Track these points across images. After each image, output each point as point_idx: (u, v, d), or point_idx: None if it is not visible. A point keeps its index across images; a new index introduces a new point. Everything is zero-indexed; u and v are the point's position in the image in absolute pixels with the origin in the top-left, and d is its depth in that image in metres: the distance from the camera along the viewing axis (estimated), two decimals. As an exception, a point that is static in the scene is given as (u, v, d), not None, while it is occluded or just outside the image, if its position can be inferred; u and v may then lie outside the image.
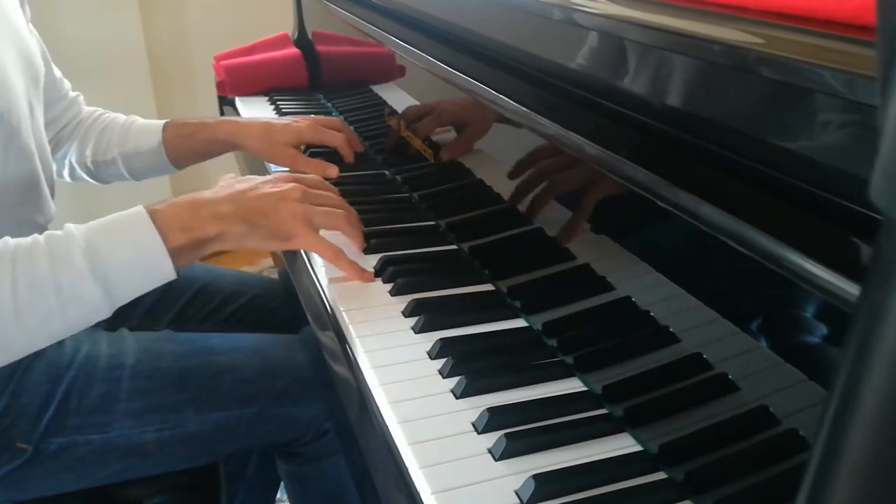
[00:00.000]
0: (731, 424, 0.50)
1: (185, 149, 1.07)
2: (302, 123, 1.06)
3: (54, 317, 0.63)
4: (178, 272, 0.69)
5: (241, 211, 0.72)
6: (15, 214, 0.84)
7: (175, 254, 0.67)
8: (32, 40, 0.92)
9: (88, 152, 1.06)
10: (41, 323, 0.63)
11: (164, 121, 1.08)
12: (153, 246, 0.66)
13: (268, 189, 0.75)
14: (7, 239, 0.64)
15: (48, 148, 0.93)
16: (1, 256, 0.62)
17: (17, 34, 0.87)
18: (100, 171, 1.08)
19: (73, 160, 1.08)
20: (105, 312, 0.66)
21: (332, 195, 0.82)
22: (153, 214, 0.67)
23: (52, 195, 0.92)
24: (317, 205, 0.77)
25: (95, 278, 0.63)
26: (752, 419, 0.48)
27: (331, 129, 1.06)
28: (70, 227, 0.66)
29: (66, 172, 1.10)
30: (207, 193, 0.73)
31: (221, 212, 0.71)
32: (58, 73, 1.05)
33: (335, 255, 0.77)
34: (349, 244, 0.82)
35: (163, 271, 0.67)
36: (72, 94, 1.08)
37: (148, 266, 0.66)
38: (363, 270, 0.79)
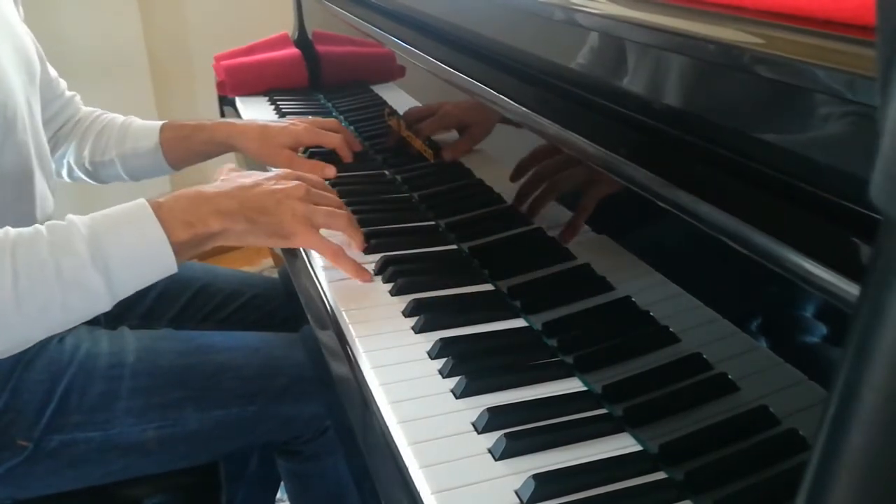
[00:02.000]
0: (730, 424, 0.50)
1: (183, 150, 1.08)
2: (299, 126, 1.06)
3: (55, 305, 0.62)
4: (178, 266, 0.69)
5: (243, 208, 0.72)
6: (12, 210, 0.84)
7: (178, 248, 0.67)
8: (27, 38, 0.92)
9: (86, 153, 1.07)
10: (42, 311, 0.62)
11: (161, 122, 1.08)
12: (157, 240, 0.66)
13: (271, 186, 0.75)
14: (7, 228, 0.64)
15: (47, 146, 0.93)
16: (3, 245, 0.62)
17: (12, 31, 0.88)
18: (98, 172, 1.09)
19: (72, 160, 1.08)
20: (106, 304, 0.66)
21: (333, 196, 0.83)
22: (156, 208, 0.67)
23: (52, 192, 0.93)
24: (319, 204, 0.77)
25: (96, 267, 0.63)
26: (752, 419, 0.48)
27: (328, 131, 1.07)
28: (72, 217, 0.66)
29: (64, 172, 1.10)
30: (210, 188, 0.73)
31: (224, 208, 0.71)
32: (53, 72, 1.05)
33: (334, 254, 0.78)
34: (350, 245, 0.82)
35: (165, 264, 0.67)
36: (68, 93, 1.09)
37: (150, 259, 0.66)
38: (362, 269, 0.79)
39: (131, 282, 0.66)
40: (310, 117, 1.13)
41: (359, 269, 0.78)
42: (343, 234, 0.81)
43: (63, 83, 1.08)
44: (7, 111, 0.80)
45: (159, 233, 0.66)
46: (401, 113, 1.06)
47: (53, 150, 1.05)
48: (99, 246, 0.63)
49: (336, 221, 0.79)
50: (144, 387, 0.83)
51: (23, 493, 0.83)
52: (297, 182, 0.77)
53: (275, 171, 0.81)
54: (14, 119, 0.82)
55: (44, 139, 0.92)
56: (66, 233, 0.64)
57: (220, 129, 1.07)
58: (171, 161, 1.08)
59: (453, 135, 0.93)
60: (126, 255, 0.65)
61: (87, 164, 1.08)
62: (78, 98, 1.11)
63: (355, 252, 0.83)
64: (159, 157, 1.07)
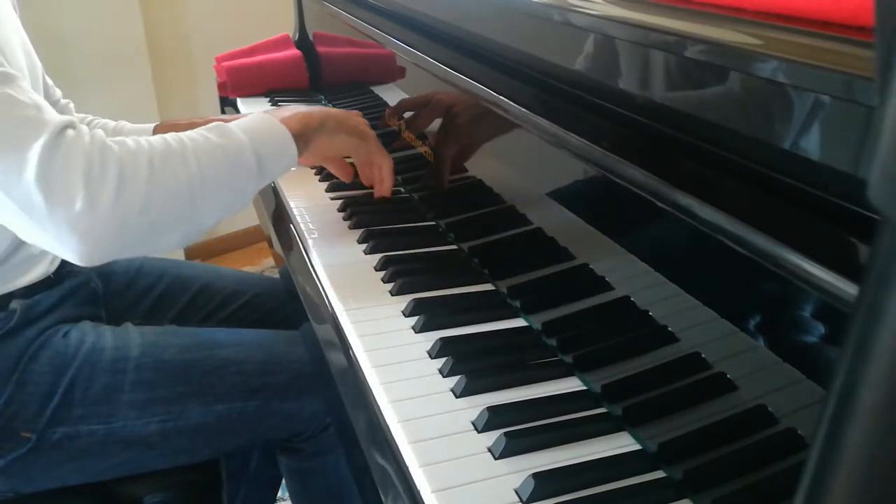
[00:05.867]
0: (729, 423, 0.50)
1: None
2: None
3: (224, 184, 0.73)
4: (299, 157, 0.82)
5: (329, 111, 0.88)
6: None
7: (296, 138, 0.80)
8: (28, 41, 0.93)
9: None
10: (217, 187, 0.72)
11: (153, 124, 1.09)
12: (282, 131, 0.79)
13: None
14: (170, 133, 0.73)
15: None
16: (179, 137, 0.72)
17: (21, 34, 0.89)
18: None
19: None
20: (254, 189, 0.77)
21: None
22: (272, 114, 0.82)
23: None
24: None
25: (253, 150, 0.75)
26: (751, 418, 0.48)
27: None
28: (215, 122, 0.77)
29: None
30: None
31: (317, 110, 0.86)
32: (49, 80, 1.06)
33: (391, 171, 0.92)
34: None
35: (290, 150, 0.80)
36: (63, 101, 1.10)
37: (282, 148, 0.79)
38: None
39: (273, 168, 0.78)
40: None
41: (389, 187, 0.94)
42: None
43: (58, 91, 1.09)
44: None
45: (283, 128, 0.79)
46: (394, 106, 1.06)
47: None
48: (249, 134, 0.76)
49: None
50: (148, 381, 0.84)
51: (25, 485, 0.84)
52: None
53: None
54: None
55: None
56: (222, 128, 0.75)
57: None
58: None
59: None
60: (268, 142, 0.77)
61: None
62: (71, 105, 1.12)
63: (354, 252, 0.84)
64: None
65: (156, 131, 1.07)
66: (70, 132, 0.64)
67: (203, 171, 0.70)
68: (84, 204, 0.62)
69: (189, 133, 0.73)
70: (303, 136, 0.81)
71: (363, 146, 0.90)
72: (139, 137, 0.70)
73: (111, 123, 1.11)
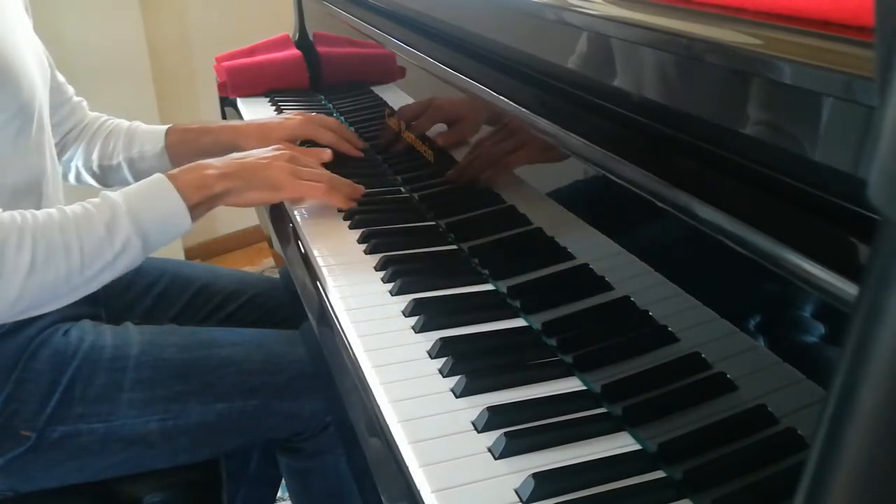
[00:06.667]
0: (729, 423, 0.50)
1: (188, 152, 1.10)
2: (295, 120, 1.10)
3: (107, 267, 0.75)
4: (193, 224, 0.82)
5: (240, 170, 0.86)
6: (19, 207, 0.84)
7: (192, 209, 0.81)
8: (40, 43, 0.94)
9: (94, 157, 1.08)
10: (98, 273, 0.75)
11: (166, 126, 1.09)
12: (177, 206, 0.79)
13: (261, 154, 0.90)
14: (61, 207, 0.76)
15: (54, 148, 0.94)
16: (67, 223, 0.73)
17: (30, 34, 0.89)
18: (105, 176, 1.10)
19: (80, 164, 1.09)
20: (139, 260, 0.79)
21: (315, 161, 0.95)
22: (172, 179, 0.81)
23: (60, 193, 0.94)
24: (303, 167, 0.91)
25: (138, 236, 0.76)
26: (751, 418, 0.48)
27: (323, 128, 1.10)
28: (108, 194, 0.78)
29: (71, 175, 1.11)
30: (211, 160, 0.86)
31: (225, 171, 0.84)
32: (60, 77, 1.06)
33: (325, 192, 0.90)
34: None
35: (184, 225, 0.81)
36: (75, 98, 1.10)
37: (173, 222, 0.80)
38: (350, 201, 0.93)
39: (160, 242, 0.80)
40: (313, 114, 1.15)
41: (347, 201, 0.93)
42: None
43: (70, 89, 1.09)
44: (30, 110, 0.82)
45: (179, 202, 0.80)
46: (397, 111, 1.06)
47: (61, 153, 1.07)
48: (138, 219, 0.77)
49: (319, 177, 0.91)
50: (147, 379, 0.84)
51: (25, 484, 0.84)
52: (284, 151, 0.91)
53: (267, 148, 0.94)
54: (33, 118, 0.84)
55: (52, 142, 0.93)
56: (112, 211, 0.76)
57: (224, 131, 1.10)
58: (177, 163, 1.10)
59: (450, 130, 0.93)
60: (157, 222, 0.78)
61: (95, 168, 1.09)
62: (84, 103, 1.12)
63: (356, 251, 0.84)
64: (165, 160, 1.09)
65: (168, 134, 1.08)
66: None
67: (85, 261, 0.73)
68: None
69: (79, 215, 0.74)
70: (201, 205, 0.82)
71: (276, 196, 0.89)
72: (40, 217, 0.73)
73: (125, 124, 1.12)
